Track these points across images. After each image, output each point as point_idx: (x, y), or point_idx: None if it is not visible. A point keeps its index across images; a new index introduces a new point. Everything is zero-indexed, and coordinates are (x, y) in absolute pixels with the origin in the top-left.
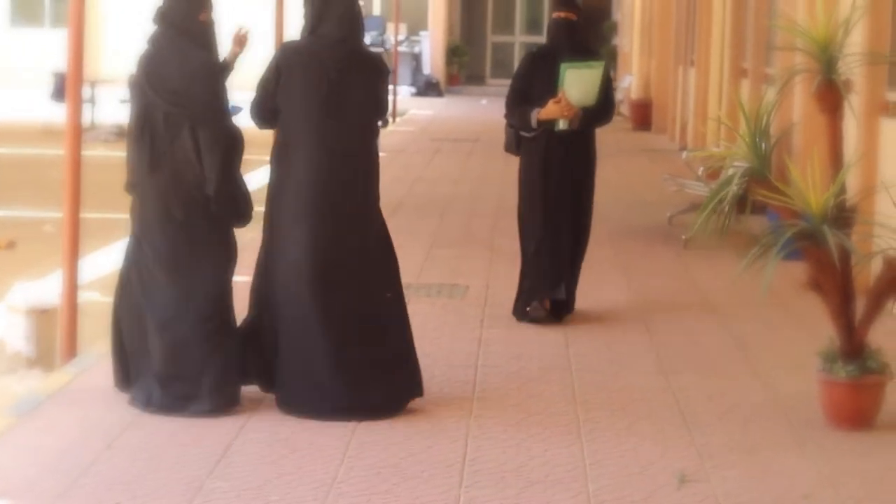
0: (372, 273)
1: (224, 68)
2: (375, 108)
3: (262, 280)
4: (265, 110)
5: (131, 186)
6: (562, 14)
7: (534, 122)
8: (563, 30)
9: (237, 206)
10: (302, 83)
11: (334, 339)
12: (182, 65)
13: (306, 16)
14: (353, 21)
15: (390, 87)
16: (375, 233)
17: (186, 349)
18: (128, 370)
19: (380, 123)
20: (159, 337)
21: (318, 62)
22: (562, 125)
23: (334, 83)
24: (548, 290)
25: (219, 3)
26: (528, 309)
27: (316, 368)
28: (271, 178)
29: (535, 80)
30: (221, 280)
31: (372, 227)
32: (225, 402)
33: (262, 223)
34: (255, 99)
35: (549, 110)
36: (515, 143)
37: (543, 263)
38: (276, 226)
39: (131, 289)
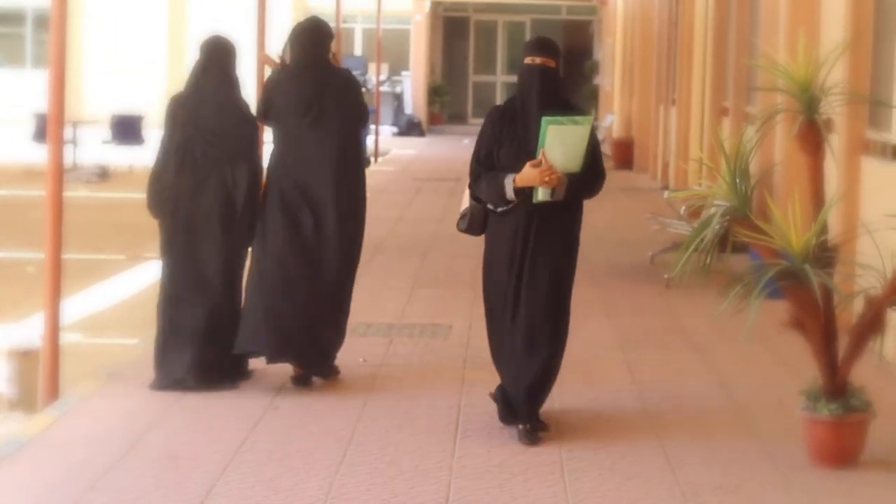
0: (335, 262)
1: (255, 118)
2: (354, 115)
3: (254, 268)
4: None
5: (167, 206)
6: (537, 60)
7: (510, 192)
8: (538, 79)
9: (253, 225)
10: (286, 104)
11: (292, 301)
12: (222, 111)
13: (287, 46)
14: (317, 47)
15: (370, 126)
16: (350, 232)
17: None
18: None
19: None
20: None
21: (297, 85)
22: (541, 195)
23: (311, 99)
24: (521, 405)
25: (207, 25)
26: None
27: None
28: (267, 182)
29: (503, 143)
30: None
31: (346, 224)
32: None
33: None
34: (257, 112)
35: (526, 175)
36: (481, 220)
37: (512, 366)
38: (266, 218)
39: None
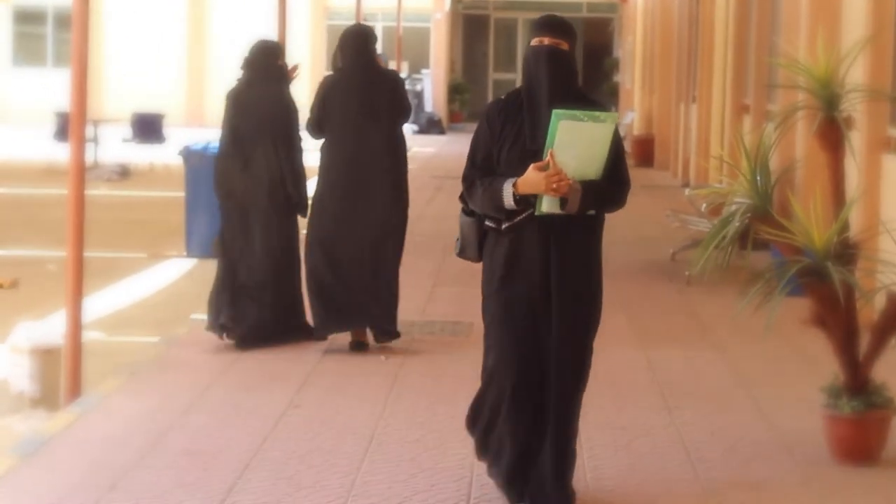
0: (384, 242)
1: (294, 104)
2: (398, 112)
3: (310, 247)
4: (315, 127)
5: (223, 186)
6: (545, 40)
7: (508, 199)
8: (546, 64)
9: (304, 197)
10: (339, 102)
11: (345, 274)
12: (267, 100)
13: (335, 56)
14: (365, 51)
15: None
16: (398, 214)
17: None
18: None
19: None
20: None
21: (349, 85)
22: (546, 206)
23: (363, 95)
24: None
25: (227, 24)
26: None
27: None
28: (320, 169)
29: (504, 143)
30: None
31: (395, 208)
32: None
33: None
34: (309, 119)
35: (530, 180)
36: (477, 241)
37: (511, 426)
38: (319, 204)
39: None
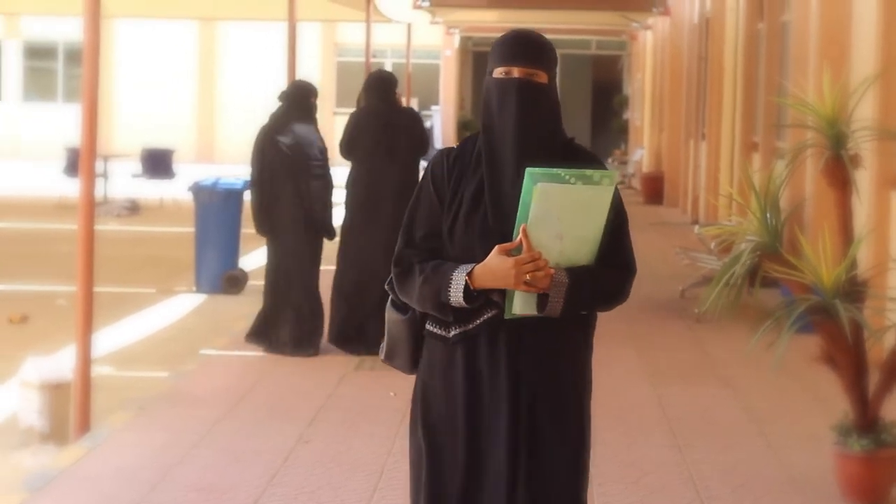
0: None
1: (323, 144)
2: (417, 147)
3: (340, 268)
4: (345, 151)
5: (261, 221)
6: (514, 71)
7: (457, 294)
8: (516, 103)
9: (330, 226)
10: (364, 136)
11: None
12: (297, 135)
13: (362, 93)
14: (387, 93)
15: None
16: None
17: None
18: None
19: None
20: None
21: (372, 123)
22: (518, 307)
23: (382, 133)
24: None
25: (238, 60)
26: None
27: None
28: (347, 200)
29: (457, 213)
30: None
31: None
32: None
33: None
34: (340, 143)
35: (493, 268)
36: (410, 350)
37: None
38: (345, 237)
39: (277, 275)
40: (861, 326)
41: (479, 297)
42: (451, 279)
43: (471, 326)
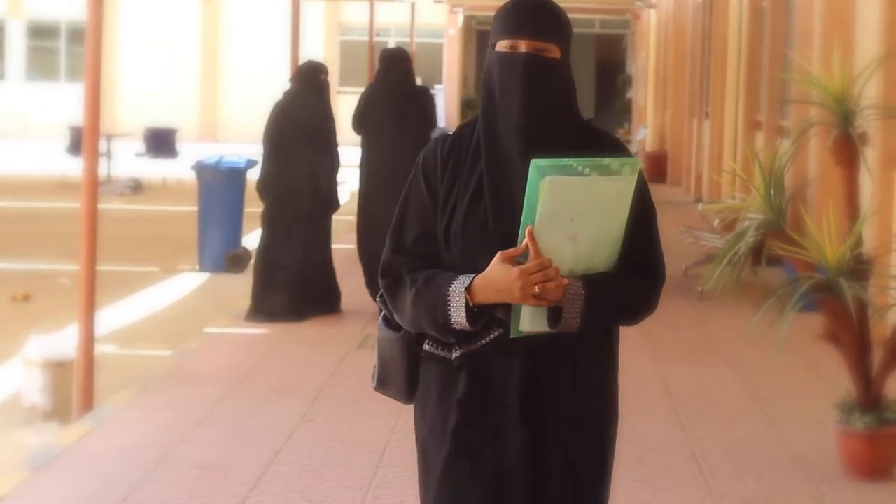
0: None
1: (331, 113)
2: (426, 121)
3: (361, 237)
4: (356, 125)
5: (267, 189)
6: (521, 45)
7: (458, 314)
8: (522, 82)
9: (335, 199)
10: (377, 111)
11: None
12: (305, 109)
13: (378, 70)
14: (400, 70)
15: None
16: None
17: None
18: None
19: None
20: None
21: (385, 98)
22: (526, 324)
23: (395, 109)
24: None
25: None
26: None
27: None
28: (361, 173)
29: (452, 212)
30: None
31: None
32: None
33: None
34: (353, 116)
35: (495, 280)
36: (406, 373)
37: None
38: (363, 203)
39: (267, 243)
40: (865, 304)
41: (483, 316)
42: (449, 296)
43: (474, 347)
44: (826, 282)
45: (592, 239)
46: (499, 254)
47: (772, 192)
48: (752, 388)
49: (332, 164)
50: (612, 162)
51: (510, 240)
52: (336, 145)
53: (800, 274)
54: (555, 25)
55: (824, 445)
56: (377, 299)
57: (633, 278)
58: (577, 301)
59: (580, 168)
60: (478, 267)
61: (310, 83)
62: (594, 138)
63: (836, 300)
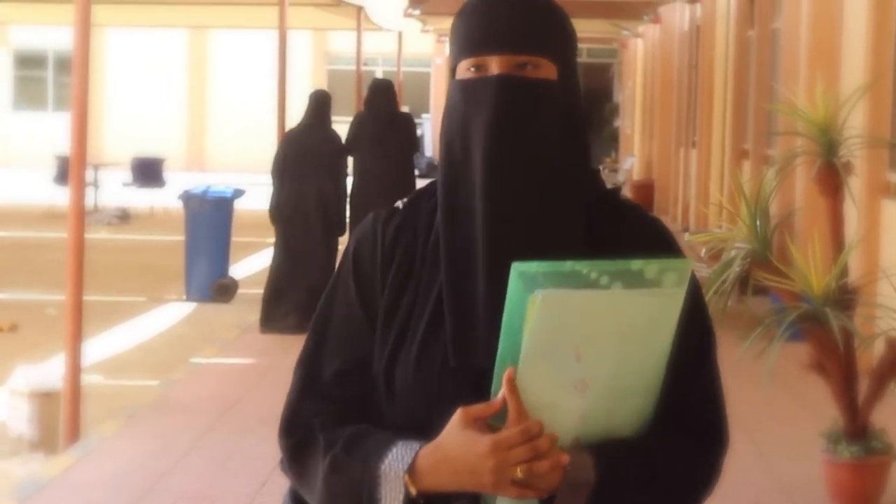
0: None
1: (339, 140)
2: (410, 145)
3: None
4: (349, 148)
5: (277, 212)
6: (490, 60)
7: (394, 498)
8: (495, 120)
9: (343, 223)
10: (366, 137)
11: None
12: (315, 139)
13: (365, 99)
14: (386, 99)
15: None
16: None
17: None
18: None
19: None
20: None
21: (371, 123)
22: None
23: (381, 135)
24: None
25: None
26: None
27: None
28: (352, 188)
29: (394, 338)
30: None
31: None
32: None
33: None
34: (346, 140)
35: (450, 455)
36: None
37: None
38: (351, 226)
39: (279, 262)
40: (851, 334)
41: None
42: (380, 476)
43: None
44: (812, 312)
45: (612, 388)
46: (459, 411)
47: (757, 222)
48: (738, 417)
49: (341, 189)
50: (647, 266)
51: (479, 386)
52: (346, 172)
53: (786, 304)
54: (545, 28)
55: (811, 475)
56: (279, 464)
57: (678, 444)
58: (583, 491)
59: (592, 276)
60: (431, 427)
61: (316, 110)
62: (619, 216)
63: (822, 330)
